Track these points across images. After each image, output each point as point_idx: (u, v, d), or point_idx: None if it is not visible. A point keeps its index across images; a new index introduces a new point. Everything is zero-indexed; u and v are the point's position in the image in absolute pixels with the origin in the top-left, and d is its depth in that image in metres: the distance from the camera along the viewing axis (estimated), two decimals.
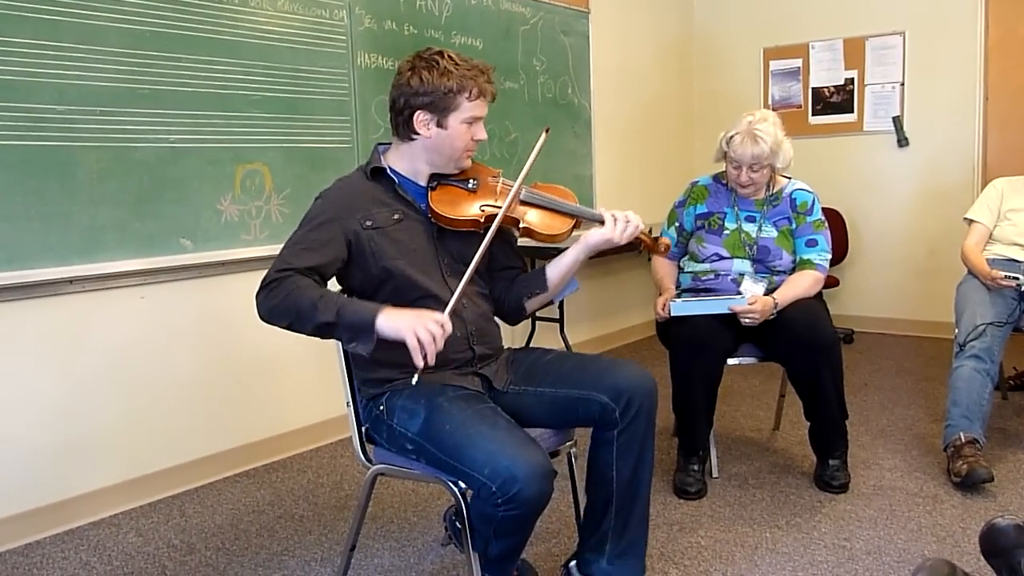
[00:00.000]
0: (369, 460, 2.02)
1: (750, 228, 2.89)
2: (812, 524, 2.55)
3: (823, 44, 5.33)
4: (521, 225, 2.00)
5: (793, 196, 2.91)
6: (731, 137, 2.80)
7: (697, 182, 3.04)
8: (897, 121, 5.10)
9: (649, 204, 5.10)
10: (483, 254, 1.87)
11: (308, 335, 1.78)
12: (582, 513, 2.10)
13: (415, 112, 1.89)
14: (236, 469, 3.19)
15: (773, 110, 4.42)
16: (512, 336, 4.35)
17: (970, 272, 3.21)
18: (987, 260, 3.16)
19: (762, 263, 2.87)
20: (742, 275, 2.85)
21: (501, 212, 1.92)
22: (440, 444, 1.78)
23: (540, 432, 1.99)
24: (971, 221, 3.33)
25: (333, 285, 1.90)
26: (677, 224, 3.03)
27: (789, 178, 2.97)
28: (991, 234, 3.29)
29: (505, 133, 3.98)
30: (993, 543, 1.98)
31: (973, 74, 4.87)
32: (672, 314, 2.74)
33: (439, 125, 1.91)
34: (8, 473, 2.60)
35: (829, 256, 2.89)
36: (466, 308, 1.99)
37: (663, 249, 2.18)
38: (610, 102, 5.04)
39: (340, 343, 1.85)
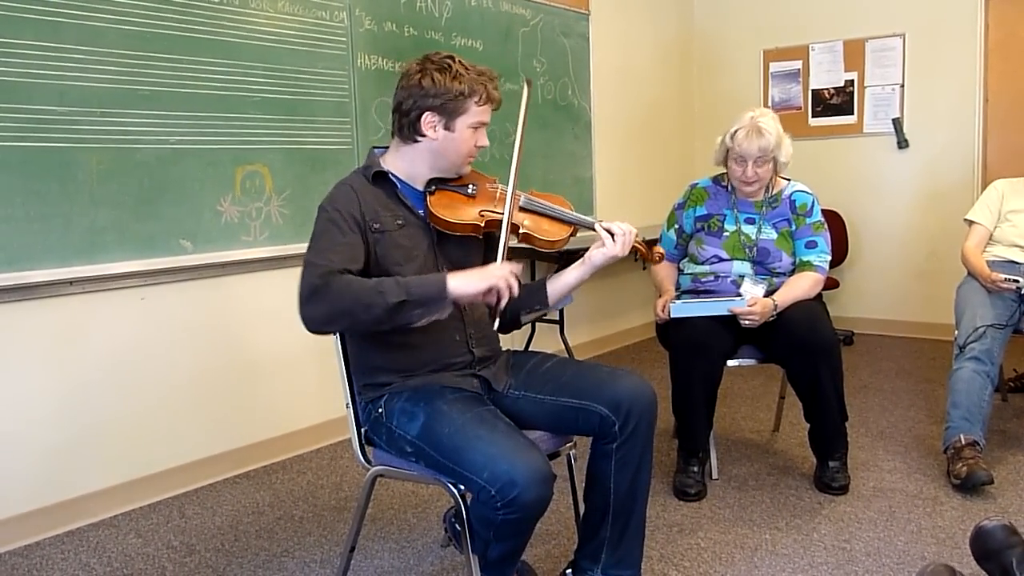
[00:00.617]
0: (368, 462, 2.02)
1: (749, 230, 2.89)
2: (812, 526, 2.55)
3: (823, 46, 5.33)
4: (521, 231, 1.99)
5: (792, 198, 2.91)
6: (735, 132, 2.81)
7: (696, 184, 3.04)
8: (897, 123, 5.11)
9: (649, 206, 5.11)
10: (504, 253, 1.89)
11: (370, 327, 1.77)
12: (582, 520, 2.10)
13: (423, 113, 1.89)
14: (236, 470, 3.19)
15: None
16: (512, 338, 4.35)
17: (970, 274, 3.21)
18: (987, 262, 3.17)
19: (762, 265, 2.87)
20: (742, 277, 2.85)
21: (507, 209, 1.92)
22: (439, 447, 1.78)
23: (539, 434, 1.99)
24: (971, 222, 3.33)
25: None
26: (677, 226, 3.03)
27: (788, 180, 2.97)
28: (991, 235, 3.29)
29: (505, 135, 3.98)
30: (983, 546, 1.98)
31: (973, 76, 4.87)
32: (672, 316, 2.74)
33: (446, 128, 1.91)
34: (8, 474, 2.60)
35: (829, 258, 2.89)
36: (465, 311, 2.00)
37: (657, 258, 2.21)
38: (610, 104, 5.04)
39: (410, 320, 1.78)
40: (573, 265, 2.07)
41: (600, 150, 4.95)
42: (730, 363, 2.84)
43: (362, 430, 2.03)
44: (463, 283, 1.76)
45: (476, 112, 1.92)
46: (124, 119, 2.76)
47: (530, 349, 4.20)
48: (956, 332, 3.03)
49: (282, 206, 3.24)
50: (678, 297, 2.89)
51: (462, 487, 1.78)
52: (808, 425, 2.84)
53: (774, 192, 2.93)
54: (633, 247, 2.04)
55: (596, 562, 1.99)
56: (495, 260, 1.88)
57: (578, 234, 2.08)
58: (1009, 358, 3.55)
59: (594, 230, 2.02)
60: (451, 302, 1.76)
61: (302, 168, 3.31)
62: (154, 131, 2.84)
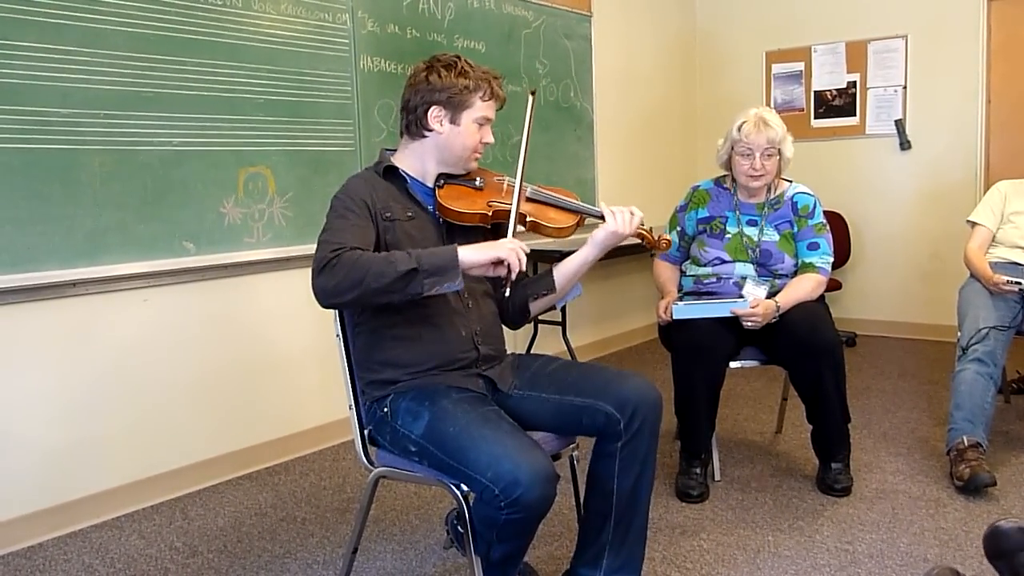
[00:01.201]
0: (371, 463, 2.02)
1: (752, 232, 2.89)
2: (814, 528, 2.55)
3: (825, 47, 5.33)
4: (528, 219, 2.02)
5: (794, 199, 2.91)
6: (741, 125, 2.82)
7: (698, 186, 3.04)
8: (899, 124, 5.11)
9: (651, 207, 5.06)
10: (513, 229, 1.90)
11: (380, 299, 1.75)
12: (580, 525, 2.09)
13: (430, 108, 1.96)
14: (238, 472, 3.19)
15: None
16: (515, 341, 4.35)
17: (973, 275, 3.20)
18: (990, 263, 3.16)
19: (764, 267, 2.87)
20: (744, 278, 2.85)
21: (516, 194, 1.94)
22: (443, 446, 1.78)
23: (543, 435, 1.99)
24: (974, 224, 3.33)
25: None
26: (679, 228, 3.03)
27: (790, 181, 2.97)
28: (994, 237, 3.28)
29: (508, 136, 3.99)
30: (997, 546, 1.98)
31: (975, 77, 4.87)
32: (674, 317, 2.74)
33: (452, 122, 1.97)
34: (11, 475, 2.61)
35: (831, 259, 2.88)
36: (471, 308, 2.00)
37: (664, 245, 2.19)
38: (612, 105, 5.05)
39: (421, 290, 1.75)
40: (578, 249, 2.09)
41: (602, 152, 4.95)
42: (732, 365, 2.84)
43: (365, 431, 2.04)
44: (473, 253, 1.77)
45: (481, 107, 1.98)
46: (127, 121, 2.77)
47: (533, 351, 4.21)
48: (959, 334, 3.03)
49: (285, 208, 3.25)
50: (680, 299, 2.89)
51: (465, 487, 1.78)
52: (810, 427, 2.84)
53: (776, 194, 2.93)
54: (638, 233, 2.07)
55: (597, 568, 1.98)
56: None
57: (585, 223, 2.09)
58: (1012, 360, 3.54)
59: (600, 218, 2.04)
60: (461, 273, 1.76)
61: (305, 170, 3.31)
62: (157, 133, 2.85)
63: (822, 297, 2.91)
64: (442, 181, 2.02)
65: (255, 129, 3.13)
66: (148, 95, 2.82)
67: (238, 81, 3.07)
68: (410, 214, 1.97)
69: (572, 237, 2.12)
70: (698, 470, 2.82)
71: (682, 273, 3.04)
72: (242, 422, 3.21)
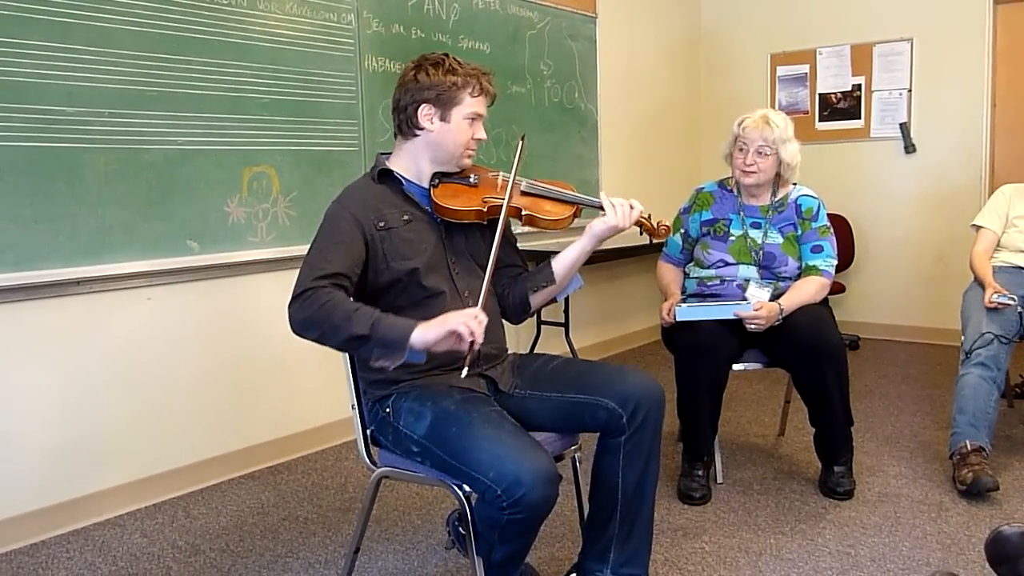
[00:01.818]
0: (374, 463, 2.03)
1: (756, 234, 2.89)
2: (817, 531, 2.55)
3: (830, 50, 5.33)
4: (524, 213, 2.02)
5: (798, 202, 2.91)
6: (743, 120, 2.85)
7: (702, 188, 3.04)
8: (904, 127, 5.10)
9: (654, 209, 5.02)
10: (499, 243, 1.89)
11: (335, 348, 1.80)
12: (585, 521, 2.09)
13: (420, 106, 1.96)
14: (241, 471, 3.19)
15: None
16: (517, 341, 4.36)
17: (976, 280, 3.20)
18: (994, 267, 3.16)
19: (768, 269, 2.86)
20: (748, 281, 2.84)
21: (508, 187, 1.95)
22: (446, 447, 1.79)
23: (545, 436, 1.99)
24: (979, 227, 3.32)
25: None
26: (682, 230, 3.03)
27: (795, 184, 2.97)
28: (999, 241, 3.28)
29: (512, 137, 3.99)
30: (999, 551, 1.98)
31: (981, 81, 4.86)
32: (678, 319, 2.74)
33: (443, 119, 1.97)
34: (14, 473, 2.61)
35: (835, 262, 2.88)
36: (468, 304, 2.00)
37: (663, 232, 2.18)
38: (617, 107, 5.05)
39: (368, 356, 1.80)
40: (576, 240, 2.09)
41: (606, 153, 4.95)
42: (735, 367, 2.84)
43: (367, 431, 2.04)
44: (424, 331, 1.73)
45: (471, 103, 1.97)
46: (132, 120, 2.77)
47: (536, 352, 4.21)
48: (963, 337, 3.02)
49: (289, 207, 3.25)
50: (684, 301, 2.88)
51: (467, 488, 1.78)
52: (813, 430, 2.83)
53: (780, 196, 2.93)
54: (638, 222, 2.07)
55: (604, 562, 1.98)
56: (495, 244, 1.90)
57: (583, 215, 2.10)
58: (1015, 364, 3.54)
59: (598, 207, 2.05)
60: (407, 351, 1.73)
61: (309, 170, 3.31)
62: (162, 132, 2.85)
63: (825, 300, 2.90)
64: (437, 180, 2.02)
65: (260, 129, 3.14)
66: (153, 94, 2.82)
67: (243, 81, 3.07)
68: (407, 217, 1.96)
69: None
70: (700, 472, 2.82)
71: (686, 275, 3.03)
72: (245, 421, 3.22)
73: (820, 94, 5.39)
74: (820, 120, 5.41)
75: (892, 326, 5.26)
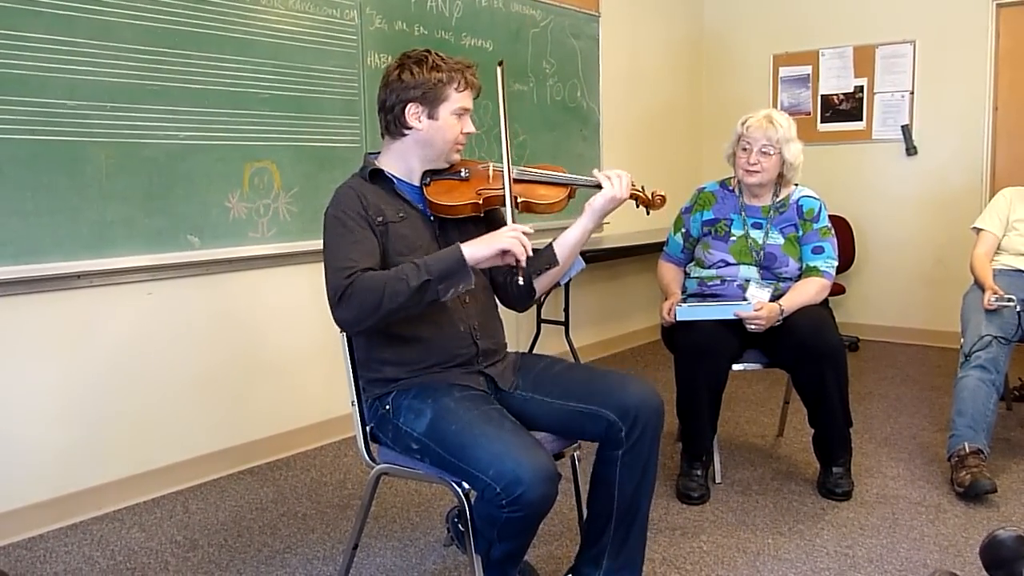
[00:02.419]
0: (373, 459, 2.03)
1: (757, 235, 2.89)
2: (815, 531, 2.55)
3: (833, 51, 5.32)
4: (520, 200, 2.01)
5: (800, 203, 2.91)
6: (747, 119, 2.86)
7: (704, 188, 3.04)
8: (906, 130, 5.10)
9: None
10: (511, 201, 1.90)
11: (401, 313, 1.78)
12: (583, 524, 2.10)
13: (407, 105, 1.94)
14: (240, 466, 3.19)
15: None
16: (517, 340, 4.36)
17: (976, 282, 3.20)
18: (994, 270, 3.16)
19: (768, 270, 2.86)
20: (748, 281, 2.85)
21: (506, 177, 1.93)
22: (445, 444, 1.79)
23: (545, 435, 1.99)
24: (979, 230, 3.32)
25: None
26: (683, 230, 3.03)
27: (796, 185, 2.97)
28: (999, 244, 3.28)
29: (513, 135, 3.99)
30: (995, 555, 1.98)
31: (983, 84, 4.86)
32: (678, 319, 2.74)
33: (430, 117, 1.95)
34: (12, 467, 2.61)
35: (835, 263, 2.88)
36: (468, 304, 2.00)
37: (659, 202, 2.16)
38: (619, 106, 5.04)
39: (437, 296, 1.78)
40: (576, 220, 2.08)
41: (608, 152, 4.95)
42: (735, 367, 2.84)
43: (367, 428, 2.04)
44: (476, 248, 1.78)
45: (457, 98, 1.96)
46: (134, 114, 2.77)
47: (535, 351, 4.21)
48: (962, 340, 3.02)
49: (290, 203, 3.25)
50: (684, 300, 2.89)
51: (466, 485, 1.78)
52: (812, 430, 2.84)
53: (781, 197, 2.93)
54: (633, 195, 2.07)
55: (598, 567, 1.99)
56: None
57: (577, 195, 2.10)
58: (1014, 367, 3.54)
59: (594, 186, 2.05)
60: (470, 271, 1.77)
61: (310, 165, 3.31)
62: (163, 126, 2.85)
63: (826, 301, 2.91)
64: (428, 178, 2.02)
65: (261, 124, 3.14)
66: (155, 88, 2.82)
67: (245, 76, 3.07)
68: (401, 215, 1.96)
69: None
70: (699, 472, 2.82)
71: (686, 275, 3.04)
72: (244, 417, 3.22)
73: (822, 95, 5.39)
74: (822, 121, 5.40)
75: (892, 328, 5.26)
